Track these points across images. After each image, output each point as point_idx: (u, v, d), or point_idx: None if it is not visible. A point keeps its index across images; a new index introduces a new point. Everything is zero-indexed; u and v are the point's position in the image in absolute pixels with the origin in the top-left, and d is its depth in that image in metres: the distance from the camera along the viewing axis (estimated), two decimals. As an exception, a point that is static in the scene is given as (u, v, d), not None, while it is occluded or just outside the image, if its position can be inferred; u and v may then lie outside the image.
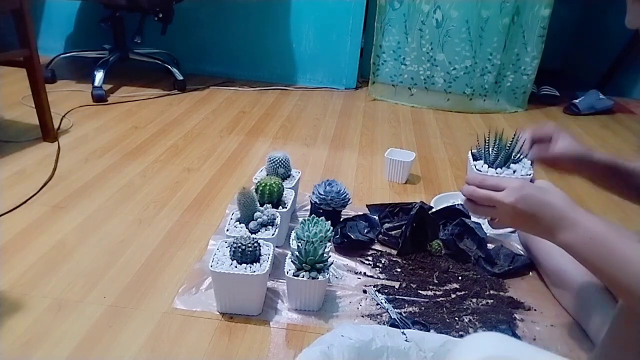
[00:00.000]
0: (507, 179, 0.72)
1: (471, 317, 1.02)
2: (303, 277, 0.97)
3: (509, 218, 0.70)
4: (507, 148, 0.80)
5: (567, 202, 0.67)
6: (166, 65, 2.38)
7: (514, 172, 0.79)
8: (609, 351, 0.74)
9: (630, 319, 0.67)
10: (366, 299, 1.06)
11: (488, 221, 0.75)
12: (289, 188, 1.24)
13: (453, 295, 1.08)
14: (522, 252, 1.24)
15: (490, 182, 0.71)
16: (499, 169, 0.80)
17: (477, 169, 0.81)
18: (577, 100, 2.54)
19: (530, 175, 0.79)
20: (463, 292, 1.09)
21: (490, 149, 0.82)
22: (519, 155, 0.82)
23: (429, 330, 0.95)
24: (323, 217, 1.08)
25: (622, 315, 0.69)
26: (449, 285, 1.12)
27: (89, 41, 2.57)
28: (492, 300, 1.07)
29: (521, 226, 0.71)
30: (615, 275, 0.61)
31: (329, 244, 1.05)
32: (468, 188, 0.74)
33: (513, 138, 0.81)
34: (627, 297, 0.63)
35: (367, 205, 1.39)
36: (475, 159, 0.85)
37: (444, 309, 1.04)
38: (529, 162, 0.83)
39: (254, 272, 0.94)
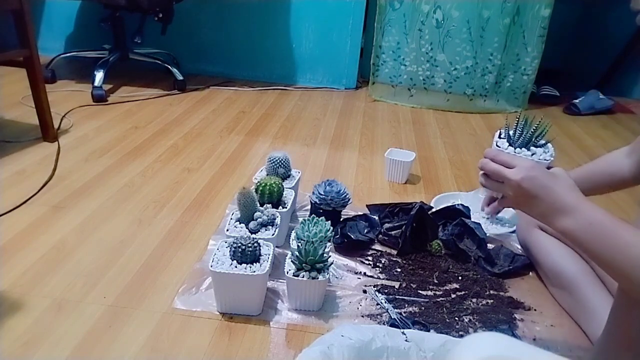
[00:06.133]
0: (520, 158, 0.73)
1: (471, 317, 1.02)
2: (303, 277, 0.97)
3: (512, 195, 0.72)
4: (533, 131, 0.82)
5: (571, 190, 0.68)
6: (166, 65, 2.38)
7: (533, 154, 0.81)
8: (606, 345, 0.74)
9: (628, 308, 0.67)
10: (366, 299, 1.06)
11: (498, 200, 0.78)
12: (289, 188, 1.23)
13: (453, 295, 1.08)
14: (522, 252, 1.24)
15: (502, 158, 0.73)
16: (518, 149, 0.82)
17: (497, 145, 0.84)
18: (577, 100, 2.54)
19: (547, 161, 0.80)
20: (463, 292, 1.09)
21: (515, 129, 0.84)
22: (540, 140, 0.83)
23: (429, 330, 0.95)
24: (323, 217, 1.08)
25: (620, 305, 0.70)
26: (449, 285, 1.12)
27: (89, 41, 2.57)
28: (492, 300, 1.07)
29: (522, 206, 0.72)
30: (615, 259, 0.62)
31: (329, 244, 1.05)
32: (483, 160, 0.76)
33: (539, 122, 0.82)
34: (626, 282, 0.63)
35: (367, 205, 1.39)
36: (501, 137, 0.88)
37: (444, 309, 1.03)
38: (552, 148, 0.84)
39: (254, 272, 0.94)
